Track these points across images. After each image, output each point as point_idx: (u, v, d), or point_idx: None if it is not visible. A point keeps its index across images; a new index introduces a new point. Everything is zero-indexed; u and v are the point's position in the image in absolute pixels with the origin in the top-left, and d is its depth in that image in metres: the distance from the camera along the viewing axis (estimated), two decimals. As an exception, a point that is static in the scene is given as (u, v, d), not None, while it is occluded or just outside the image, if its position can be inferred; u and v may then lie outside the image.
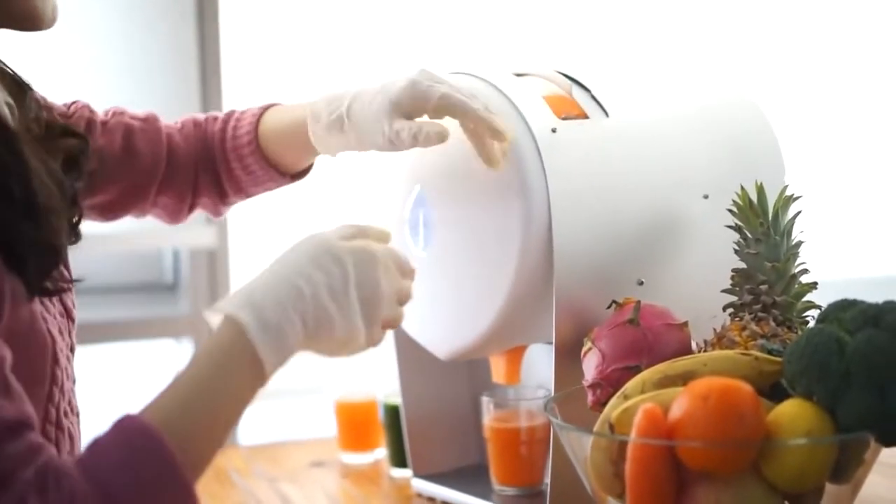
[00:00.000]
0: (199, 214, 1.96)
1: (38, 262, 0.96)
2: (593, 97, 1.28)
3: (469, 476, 1.45)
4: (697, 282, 1.27)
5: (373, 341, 1.01)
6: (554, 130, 1.22)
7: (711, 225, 1.28)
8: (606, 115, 1.26)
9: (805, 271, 1.18)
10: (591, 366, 1.15)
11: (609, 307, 1.18)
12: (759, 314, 1.15)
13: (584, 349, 1.17)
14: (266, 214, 2.17)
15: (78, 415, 1.09)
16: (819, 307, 1.18)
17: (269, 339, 0.92)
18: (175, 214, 1.35)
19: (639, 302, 1.16)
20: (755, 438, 0.96)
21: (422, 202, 1.30)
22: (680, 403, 0.98)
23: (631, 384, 1.07)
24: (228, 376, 0.91)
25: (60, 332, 1.04)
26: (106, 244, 2.10)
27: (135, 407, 0.89)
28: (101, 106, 1.32)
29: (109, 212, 1.31)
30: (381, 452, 1.62)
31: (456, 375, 1.48)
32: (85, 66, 2.05)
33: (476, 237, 1.23)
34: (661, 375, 1.07)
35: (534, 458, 1.36)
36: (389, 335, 1.43)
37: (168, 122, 1.33)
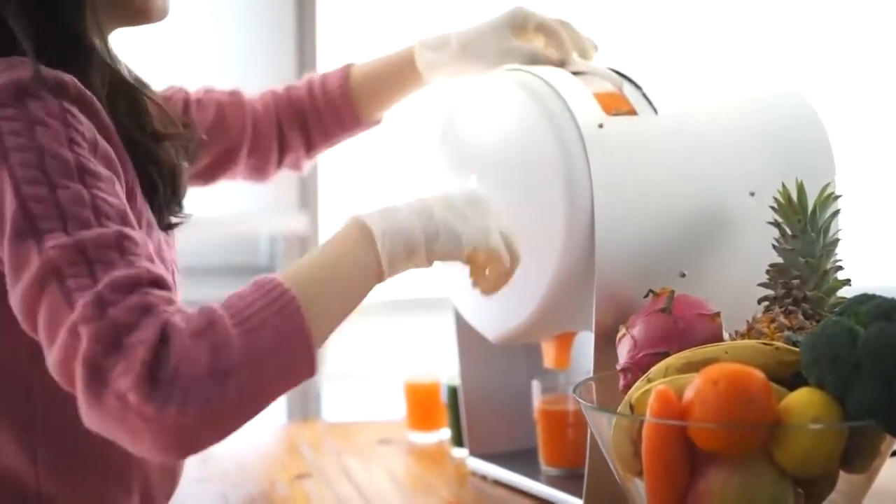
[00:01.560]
0: (292, 203, 2.05)
1: (167, 189, 1.15)
2: (644, 94, 1.32)
3: (522, 457, 1.51)
4: (739, 276, 1.30)
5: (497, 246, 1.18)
6: (601, 126, 1.27)
7: (756, 221, 1.31)
8: (655, 111, 1.31)
9: (839, 268, 1.21)
10: (623, 351, 1.20)
11: (646, 296, 1.23)
12: (790, 307, 1.18)
13: (619, 335, 1.22)
14: (354, 202, 2.25)
15: None
16: (850, 303, 1.21)
17: (388, 245, 1.08)
18: (262, 172, 1.55)
19: (672, 291, 1.20)
20: (762, 422, 1.00)
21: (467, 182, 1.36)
22: (693, 386, 1.03)
23: (655, 369, 1.12)
24: (353, 266, 1.06)
25: (173, 274, 1.18)
26: (206, 228, 2.21)
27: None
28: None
29: (208, 176, 1.52)
30: (446, 433, 1.68)
31: (512, 360, 1.54)
32: (184, 58, 2.16)
33: (522, 226, 1.28)
34: (685, 361, 1.12)
35: (579, 440, 1.41)
36: (450, 319, 1.50)
37: (251, 96, 1.53)
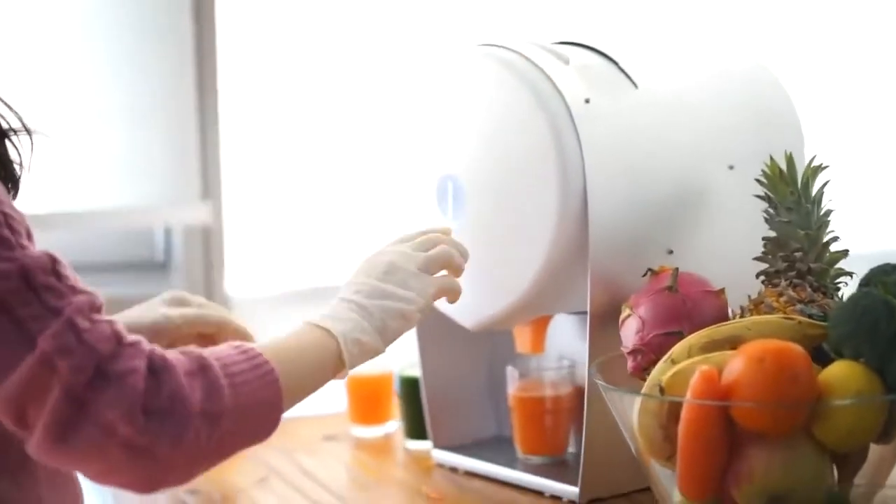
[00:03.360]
0: (193, 193, 1.96)
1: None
2: (621, 69, 1.29)
3: (488, 447, 1.46)
4: (724, 251, 1.29)
5: (426, 302, 1.15)
6: (587, 101, 1.23)
7: (736, 195, 1.30)
8: (635, 86, 1.28)
9: (835, 239, 1.20)
10: (630, 332, 1.17)
11: (644, 275, 1.20)
12: (795, 281, 1.17)
13: (623, 316, 1.18)
14: (262, 191, 2.16)
15: None
16: (849, 274, 1.20)
17: (350, 346, 1.08)
18: None
19: (676, 269, 1.17)
20: (810, 399, 0.98)
21: (450, 176, 1.30)
22: (735, 365, 1.00)
23: (678, 349, 1.09)
24: (319, 359, 1.06)
25: None
26: (96, 221, 2.09)
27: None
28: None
29: None
30: (393, 425, 1.62)
31: (473, 348, 1.49)
32: (80, 59, 2.04)
33: (510, 208, 1.24)
34: (707, 340, 1.09)
35: (558, 426, 1.38)
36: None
37: None
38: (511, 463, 1.39)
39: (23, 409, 0.86)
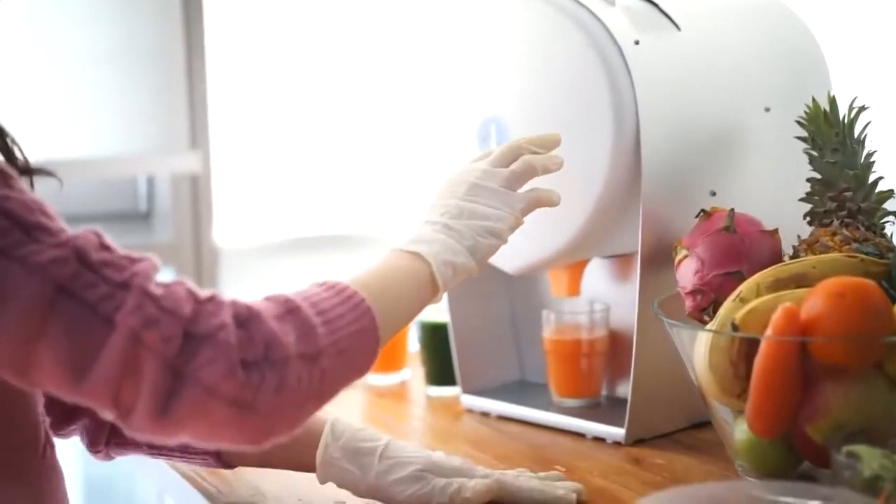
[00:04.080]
0: (182, 139, 1.93)
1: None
2: (662, 11, 1.29)
3: (516, 391, 1.47)
4: (762, 192, 1.30)
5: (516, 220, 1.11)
6: (637, 42, 1.23)
7: (772, 136, 1.31)
8: (678, 28, 1.28)
9: (881, 178, 1.22)
10: (688, 273, 1.17)
11: (697, 216, 1.21)
12: (846, 220, 1.18)
13: (679, 257, 1.19)
14: (246, 139, 2.13)
15: None
16: (894, 213, 1.22)
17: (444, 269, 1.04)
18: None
19: (732, 210, 1.18)
20: (891, 333, 1.00)
21: (494, 118, 1.30)
22: (815, 302, 1.01)
23: (746, 287, 1.10)
24: (413, 284, 1.02)
25: None
26: (79, 171, 2.04)
27: None
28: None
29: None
30: (408, 373, 1.62)
31: (497, 293, 1.49)
32: (63, 6, 1.99)
33: (560, 150, 1.23)
34: (774, 279, 1.10)
35: (593, 370, 1.39)
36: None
37: None
38: (545, 406, 1.39)
39: (117, 391, 0.83)
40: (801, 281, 1.09)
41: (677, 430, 1.31)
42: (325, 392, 0.91)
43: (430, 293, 1.03)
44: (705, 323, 1.15)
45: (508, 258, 1.32)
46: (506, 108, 1.28)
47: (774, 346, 1.02)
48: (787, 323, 1.01)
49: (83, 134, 2.02)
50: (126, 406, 0.83)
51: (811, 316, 1.01)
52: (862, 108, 1.24)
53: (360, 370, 0.95)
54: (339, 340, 0.91)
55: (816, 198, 1.22)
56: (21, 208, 0.83)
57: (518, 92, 1.27)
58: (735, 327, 1.06)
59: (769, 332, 1.02)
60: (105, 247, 0.85)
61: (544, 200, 1.14)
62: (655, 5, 1.29)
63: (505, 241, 1.09)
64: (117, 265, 0.83)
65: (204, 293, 0.87)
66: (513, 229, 1.10)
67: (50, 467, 1.00)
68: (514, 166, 1.12)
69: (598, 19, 1.23)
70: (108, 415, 0.85)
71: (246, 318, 0.86)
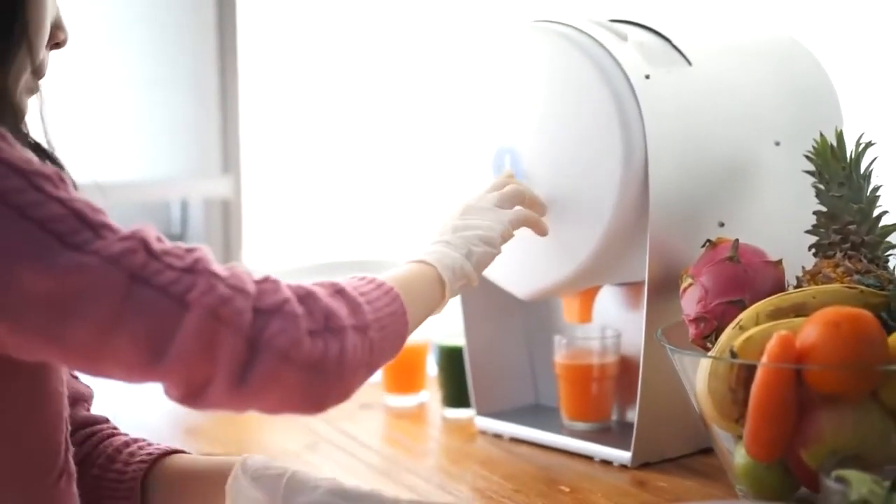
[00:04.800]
0: (215, 164, 1.97)
1: None
2: (674, 46, 1.32)
3: (529, 414, 1.50)
4: (770, 223, 1.33)
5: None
6: (647, 77, 1.26)
7: (782, 170, 1.34)
8: (689, 63, 1.32)
9: (885, 212, 1.25)
10: (692, 301, 1.20)
11: (703, 246, 1.24)
12: (849, 252, 1.21)
13: (684, 285, 1.22)
14: (280, 164, 2.18)
15: None
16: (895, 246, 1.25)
17: (448, 273, 1.14)
18: None
19: (737, 240, 1.21)
20: (885, 362, 1.03)
21: (509, 149, 1.33)
22: (811, 330, 1.04)
23: (745, 316, 1.13)
24: (425, 283, 1.12)
25: None
26: (115, 195, 2.10)
27: None
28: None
29: None
30: (426, 395, 1.66)
31: (512, 318, 1.53)
32: (100, 33, 2.05)
33: (570, 179, 1.27)
34: (773, 308, 1.13)
35: (603, 394, 1.42)
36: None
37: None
38: (556, 429, 1.43)
39: (195, 368, 0.87)
40: (801, 310, 1.12)
41: (683, 456, 1.34)
42: (374, 362, 0.97)
43: (440, 292, 1.13)
44: (708, 350, 1.18)
45: (520, 284, 1.37)
46: (521, 139, 1.32)
47: (770, 373, 1.04)
48: (781, 350, 1.04)
49: (120, 158, 2.08)
50: (200, 382, 0.88)
51: (806, 344, 1.04)
52: (869, 144, 1.26)
53: (395, 350, 1.02)
54: (380, 318, 0.99)
55: (822, 230, 1.25)
56: (87, 209, 0.88)
57: (532, 124, 1.31)
58: (733, 354, 1.09)
59: (764, 359, 1.05)
60: (160, 239, 0.91)
61: (532, 220, 1.26)
62: (668, 41, 1.33)
63: (498, 249, 1.19)
64: (175, 254, 0.89)
65: (257, 275, 0.93)
66: (504, 239, 1.20)
67: (64, 495, 1.01)
68: (504, 189, 1.25)
69: (611, 54, 1.26)
70: (176, 393, 0.89)
71: (304, 294, 0.93)
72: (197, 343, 0.86)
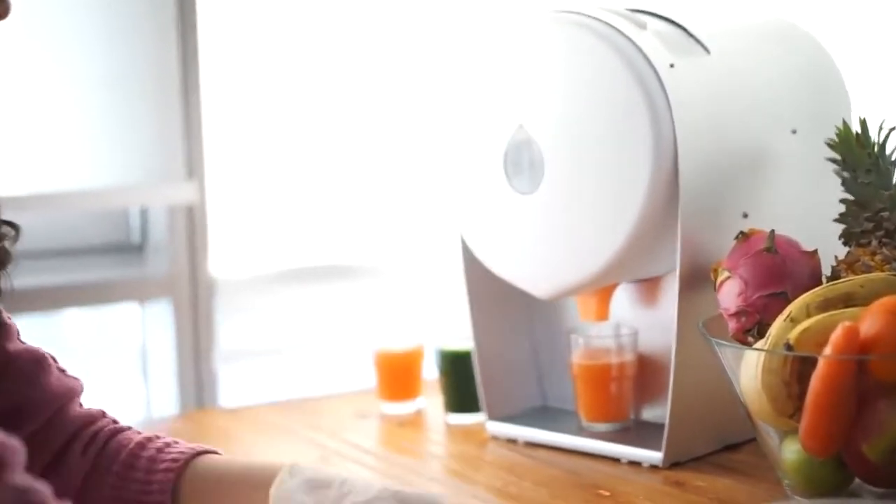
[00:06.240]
0: (178, 169, 1.90)
1: None
2: (692, 35, 1.30)
3: (540, 417, 1.46)
4: (791, 212, 1.31)
5: None
6: (672, 65, 1.23)
7: (799, 158, 1.33)
8: (707, 52, 1.29)
9: (914, 198, 1.23)
10: (731, 294, 1.18)
11: (736, 238, 1.21)
12: (884, 240, 1.20)
13: (721, 279, 1.19)
14: (247, 167, 2.11)
15: None
16: (926, 233, 1.24)
17: None
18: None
19: (773, 231, 1.19)
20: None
21: (527, 144, 1.29)
22: (873, 320, 1.02)
23: (795, 308, 1.10)
24: None
25: None
26: (72, 203, 2.02)
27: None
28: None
29: None
30: (423, 401, 1.61)
31: (519, 319, 1.49)
32: (56, 35, 1.96)
33: (596, 173, 1.24)
34: (822, 299, 1.11)
35: (622, 394, 1.38)
36: (461, 282, 1.44)
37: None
38: (574, 431, 1.39)
39: None
40: (850, 300, 1.10)
41: (710, 453, 1.31)
42: None
43: None
44: (749, 344, 1.15)
45: (540, 283, 1.33)
46: (542, 134, 1.28)
47: (832, 365, 1.02)
48: (847, 341, 1.01)
49: (75, 165, 1.99)
50: None
51: (870, 334, 1.02)
52: (892, 129, 1.25)
53: None
54: None
55: (851, 218, 1.23)
56: None
57: (552, 117, 1.27)
58: (790, 346, 1.06)
59: (828, 350, 1.02)
60: None
61: None
62: (684, 29, 1.30)
63: None
64: None
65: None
66: None
67: None
68: None
69: (634, 43, 1.23)
70: None
71: None
72: None
